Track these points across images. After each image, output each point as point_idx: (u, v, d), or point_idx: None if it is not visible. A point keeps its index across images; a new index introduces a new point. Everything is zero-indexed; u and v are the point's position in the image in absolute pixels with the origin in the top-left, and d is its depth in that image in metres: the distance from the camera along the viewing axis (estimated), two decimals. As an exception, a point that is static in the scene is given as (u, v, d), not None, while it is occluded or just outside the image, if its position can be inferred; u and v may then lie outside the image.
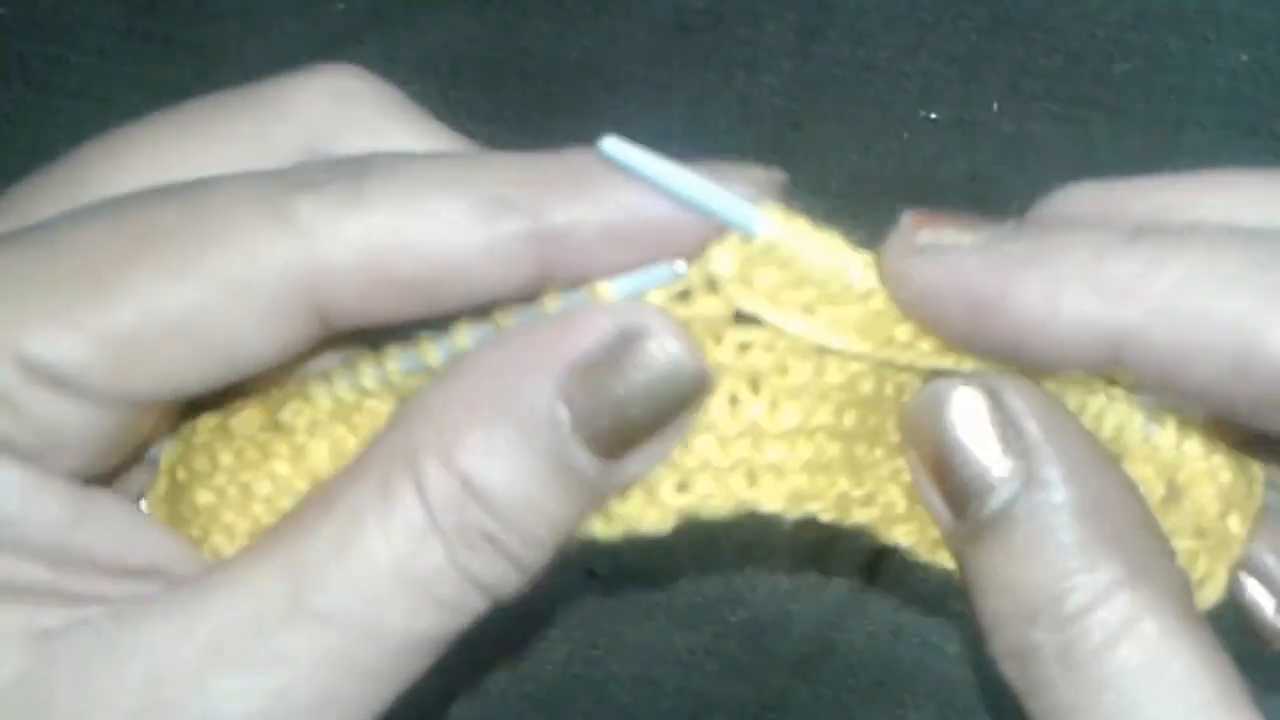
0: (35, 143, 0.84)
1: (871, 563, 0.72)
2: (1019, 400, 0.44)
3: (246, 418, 0.48)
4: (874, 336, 0.46)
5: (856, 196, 0.80)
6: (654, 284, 0.45)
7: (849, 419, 0.48)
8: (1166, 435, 0.49)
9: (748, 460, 0.47)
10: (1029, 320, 0.41)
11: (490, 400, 0.42)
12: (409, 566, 0.42)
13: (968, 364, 0.46)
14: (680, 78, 0.83)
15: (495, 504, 0.42)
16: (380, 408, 0.46)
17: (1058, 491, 0.43)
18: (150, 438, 0.49)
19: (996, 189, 0.79)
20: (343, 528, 0.42)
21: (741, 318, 0.46)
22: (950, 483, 0.45)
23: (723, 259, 0.44)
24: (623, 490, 0.46)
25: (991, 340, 0.42)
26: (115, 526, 0.44)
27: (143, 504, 0.50)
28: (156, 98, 0.83)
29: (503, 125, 0.82)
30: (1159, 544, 0.44)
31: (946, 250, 0.44)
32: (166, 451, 0.50)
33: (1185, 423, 0.50)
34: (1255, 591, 0.52)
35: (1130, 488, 0.45)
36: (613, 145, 0.44)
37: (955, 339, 0.44)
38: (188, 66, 0.84)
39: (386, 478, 0.42)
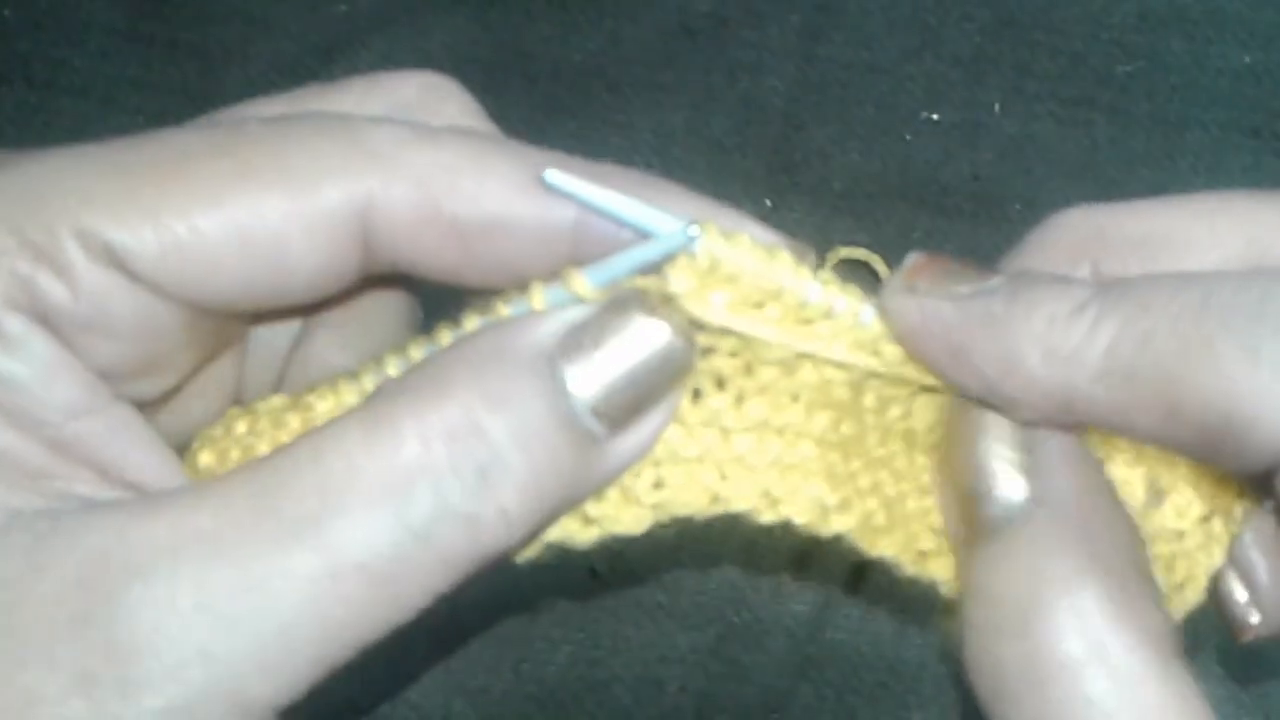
0: (38, 143, 0.83)
1: (854, 573, 0.72)
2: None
3: (274, 401, 0.49)
4: (846, 345, 0.47)
5: (859, 197, 0.80)
6: (626, 272, 0.46)
7: (821, 421, 0.48)
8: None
9: (715, 453, 0.47)
10: (988, 375, 0.45)
11: (492, 353, 0.43)
12: (393, 497, 0.41)
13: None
14: (684, 80, 0.83)
15: (493, 439, 0.42)
16: None
17: (1053, 513, 0.44)
18: (189, 364, 0.49)
19: (999, 190, 0.80)
20: (326, 451, 0.41)
21: (699, 326, 0.47)
22: (965, 488, 0.46)
23: (678, 279, 0.45)
24: (620, 467, 0.46)
25: (963, 383, 0.46)
26: (123, 434, 0.44)
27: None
28: (159, 99, 0.84)
29: (505, 127, 0.82)
30: (1144, 584, 0.45)
31: (931, 296, 0.46)
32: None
33: None
34: (1230, 582, 0.53)
35: (1126, 527, 0.46)
36: (554, 176, 0.46)
37: (936, 373, 0.47)
38: (190, 68, 0.84)
39: (381, 412, 0.42)
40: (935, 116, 0.81)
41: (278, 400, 0.49)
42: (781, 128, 0.82)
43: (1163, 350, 0.42)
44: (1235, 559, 0.53)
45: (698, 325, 0.46)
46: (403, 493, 0.41)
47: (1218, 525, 0.51)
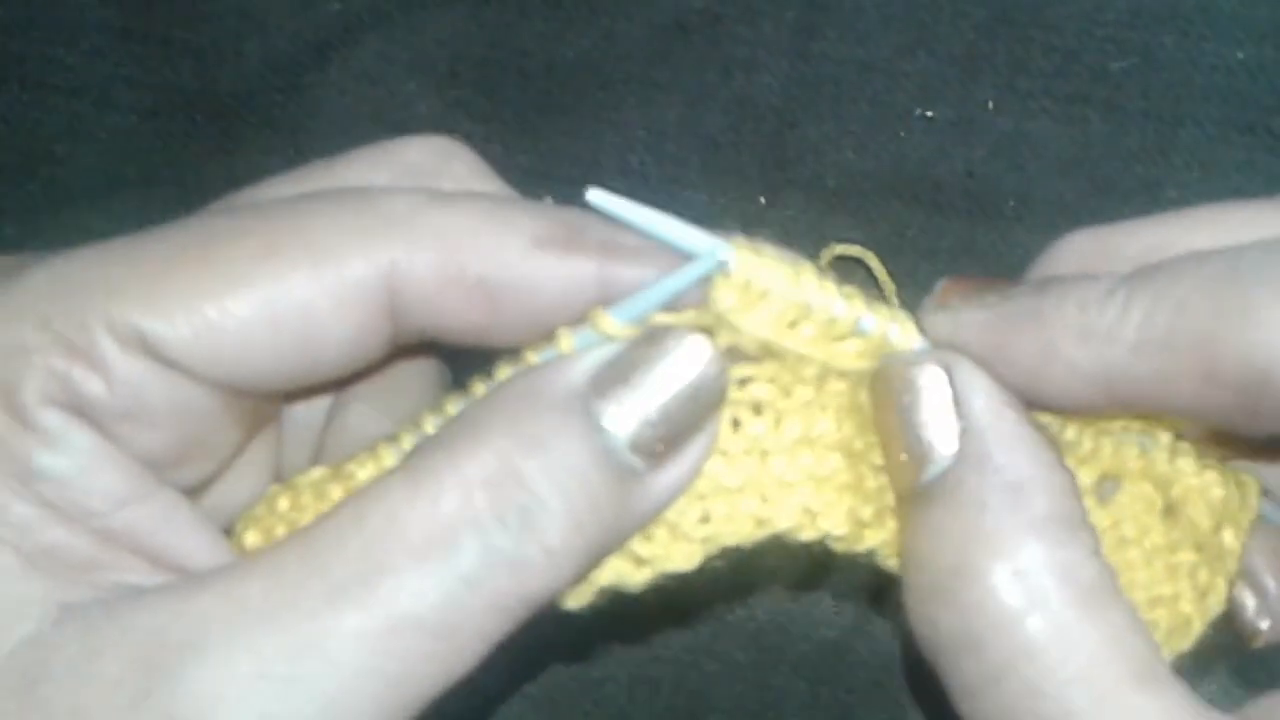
0: (32, 143, 0.84)
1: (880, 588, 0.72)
2: (971, 382, 0.46)
3: (315, 473, 0.49)
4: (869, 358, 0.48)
5: (853, 194, 0.80)
6: (653, 306, 0.46)
7: (848, 427, 0.49)
8: (1160, 455, 0.51)
9: (756, 478, 0.48)
10: (1028, 369, 0.46)
11: (526, 398, 0.44)
12: (437, 548, 0.41)
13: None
14: (678, 77, 0.83)
15: (531, 481, 0.42)
16: None
17: (986, 473, 0.44)
18: (227, 446, 0.50)
19: (994, 187, 0.80)
20: (369, 511, 0.42)
21: (736, 356, 0.48)
22: (899, 452, 0.46)
23: (724, 297, 0.46)
24: (663, 501, 0.46)
25: (1005, 382, 0.46)
26: (171, 520, 0.45)
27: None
28: (153, 97, 0.84)
29: (500, 124, 0.82)
30: (1080, 535, 0.45)
31: (964, 308, 0.48)
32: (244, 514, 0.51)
33: (1177, 442, 0.52)
34: (1239, 591, 0.54)
35: (1063, 481, 0.46)
36: (598, 196, 0.46)
37: None
38: (184, 66, 0.84)
39: (420, 466, 0.43)
40: (929, 113, 0.81)
41: (318, 473, 0.49)
42: (775, 125, 0.82)
43: (1198, 314, 0.43)
44: (1244, 568, 0.53)
45: (735, 354, 0.47)
46: (448, 543, 0.41)
47: (1229, 536, 0.51)
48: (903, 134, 0.81)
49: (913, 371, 0.46)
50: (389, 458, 0.48)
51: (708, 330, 0.46)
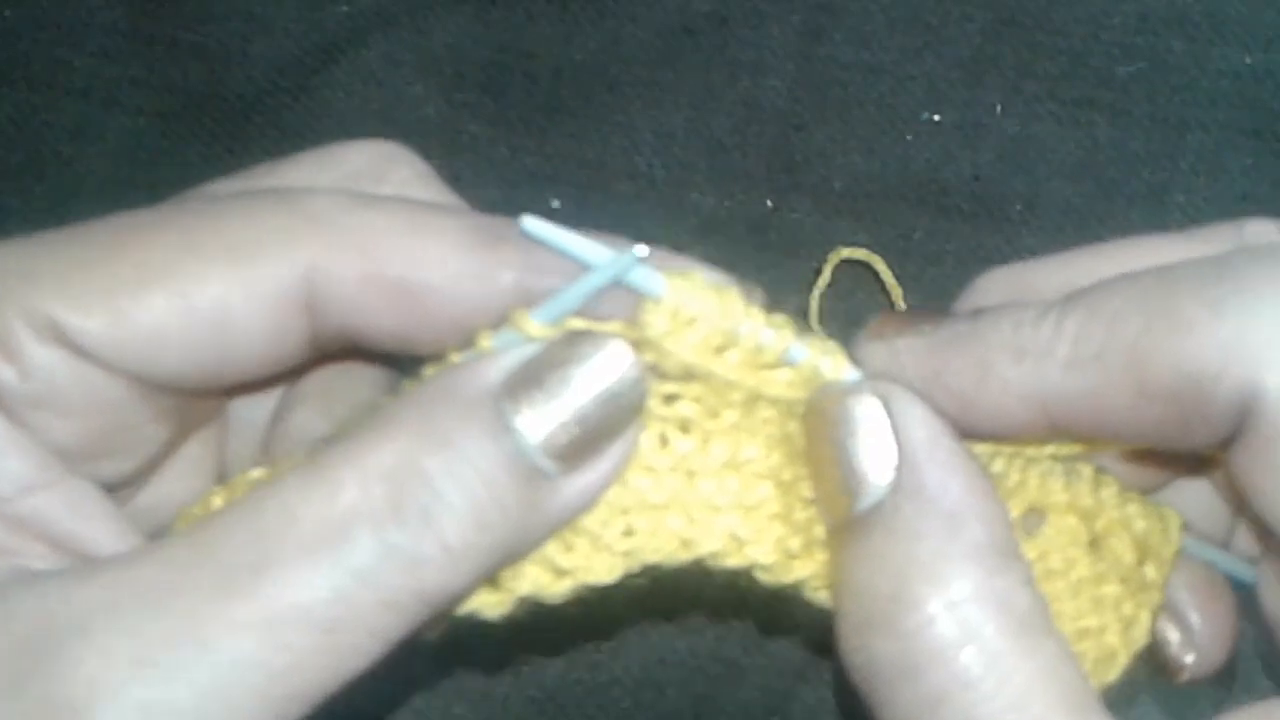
0: (39, 143, 0.84)
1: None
2: (906, 412, 0.46)
3: (252, 476, 0.49)
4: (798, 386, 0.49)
5: (860, 197, 0.80)
6: (573, 305, 0.46)
7: (777, 456, 0.49)
8: (1084, 487, 0.52)
9: (682, 497, 0.48)
10: (964, 392, 0.46)
11: (435, 398, 0.43)
12: (329, 540, 0.41)
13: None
14: (684, 80, 0.83)
15: (432, 479, 0.42)
16: None
17: (922, 502, 0.45)
18: (153, 443, 0.49)
19: (999, 190, 0.80)
20: (264, 506, 0.41)
21: (663, 376, 0.48)
22: (833, 482, 0.46)
23: (653, 321, 0.47)
24: (575, 506, 0.46)
25: (941, 405, 0.47)
26: (80, 509, 0.45)
27: None
28: (160, 99, 0.84)
29: (506, 127, 0.82)
30: (1015, 564, 0.45)
31: (895, 338, 0.48)
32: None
33: (1101, 476, 0.53)
34: (1163, 625, 0.54)
35: (998, 511, 0.46)
36: (531, 223, 0.46)
37: None
38: (191, 67, 0.84)
39: (319, 463, 0.42)
40: (936, 117, 0.81)
41: (256, 473, 0.49)
42: (782, 128, 0.82)
43: (1129, 327, 0.44)
44: (1167, 602, 0.54)
45: (661, 373, 0.47)
46: (341, 536, 0.41)
47: (1151, 570, 0.52)
48: (909, 137, 0.81)
49: (848, 401, 0.46)
50: None
51: (636, 348, 0.46)
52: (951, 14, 0.82)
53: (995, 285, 0.53)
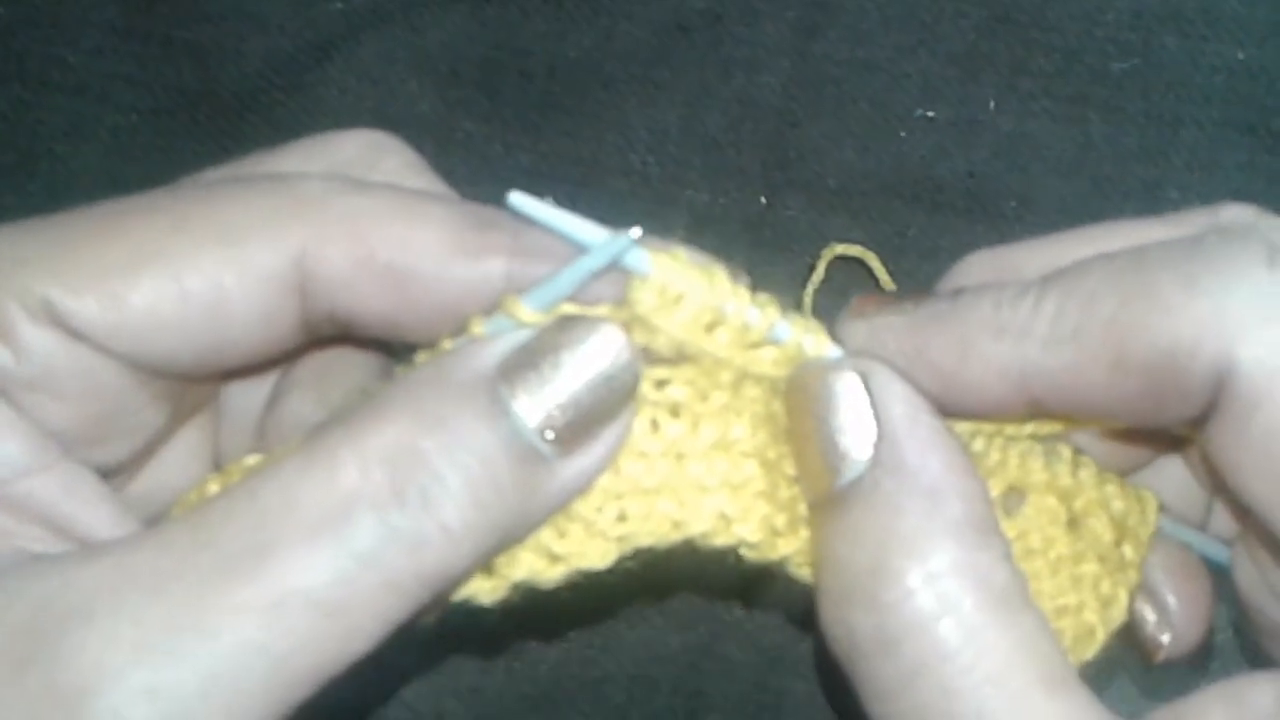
0: (33, 140, 0.84)
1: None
2: (886, 388, 0.47)
3: (248, 463, 0.49)
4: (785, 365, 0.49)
5: (854, 194, 0.80)
6: (566, 290, 0.47)
7: (762, 435, 0.49)
8: (1063, 468, 0.52)
9: (673, 480, 0.48)
10: (945, 370, 0.47)
11: (431, 381, 0.44)
12: (329, 521, 0.41)
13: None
14: (679, 77, 0.83)
15: (431, 460, 0.42)
16: None
17: (902, 477, 0.45)
18: (149, 428, 0.50)
19: (994, 187, 0.80)
20: (262, 487, 0.42)
21: (653, 360, 0.48)
22: (814, 458, 0.47)
23: (642, 299, 0.47)
24: (572, 489, 0.46)
25: (921, 383, 0.47)
26: (76, 492, 0.45)
27: None
28: (154, 96, 0.84)
29: (501, 124, 0.82)
30: (993, 540, 0.45)
31: (876, 316, 0.48)
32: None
33: (1079, 457, 0.53)
34: (1139, 605, 0.55)
35: (977, 487, 0.46)
36: (518, 199, 0.47)
37: None
38: (185, 65, 0.84)
39: (318, 444, 0.42)
40: (930, 114, 0.81)
41: (251, 460, 0.49)
42: (777, 125, 0.82)
43: (1106, 304, 0.44)
44: (1144, 582, 0.54)
45: (652, 357, 0.48)
46: (342, 519, 0.41)
47: (1129, 549, 0.53)
48: (904, 134, 0.81)
49: (829, 377, 0.47)
50: None
51: (624, 327, 0.47)
52: (946, 11, 0.82)
53: (977, 267, 0.54)
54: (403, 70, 0.84)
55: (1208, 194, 0.78)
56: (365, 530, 0.41)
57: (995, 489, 0.51)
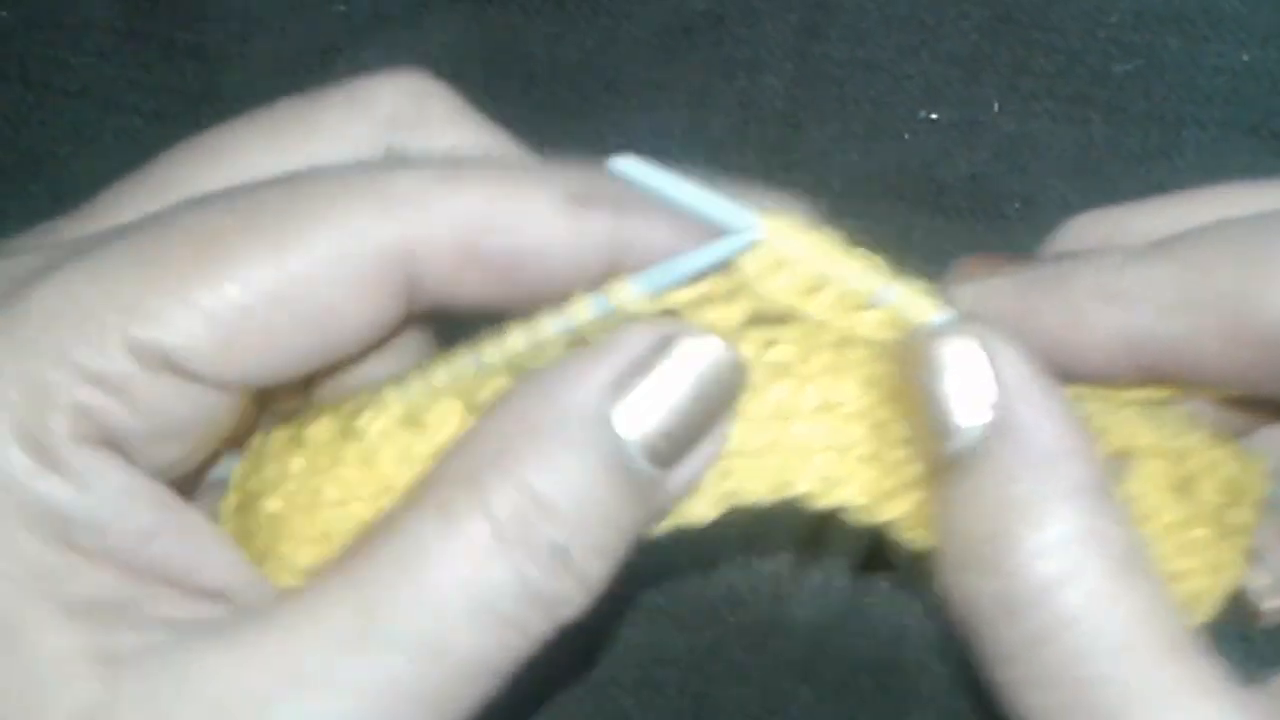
0: (35, 144, 0.84)
1: (871, 557, 0.72)
2: (1001, 353, 0.46)
3: (320, 426, 0.48)
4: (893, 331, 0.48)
5: (857, 196, 0.80)
6: (675, 280, 0.46)
7: (869, 397, 0.49)
8: (1172, 431, 0.51)
9: (778, 441, 0.48)
10: (1054, 336, 0.47)
11: (545, 417, 0.43)
12: (474, 586, 0.41)
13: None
14: (681, 78, 0.83)
15: (561, 515, 0.42)
16: (449, 413, 0.47)
17: (1019, 442, 0.44)
18: (228, 436, 0.49)
19: (997, 188, 0.80)
20: (406, 550, 0.42)
21: (759, 320, 0.48)
22: (928, 424, 0.46)
23: (750, 265, 0.47)
24: (681, 496, 0.47)
25: (1032, 348, 0.46)
26: (193, 542, 0.44)
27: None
28: (157, 99, 0.84)
29: (504, 126, 0.82)
30: (1110, 504, 0.45)
31: (983, 279, 0.49)
32: (237, 467, 0.50)
33: (1190, 420, 0.52)
34: (1248, 570, 0.54)
35: (1091, 449, 0.46)
36: (624, 163, 0.46)
37: None
38: (188, 67, 0.84)
39: (449, 498, 0.42)
40: (933, 115, 0.81)
41: (325, 428, 0.48)
42: (779, 126, 0.82)
43: (1222, 274, 0.44)
44: (1251, 547, 0.53)
45: (758, 317, 0.48)
46: (492, 603, 0.42)
47: (1240, 513, 0.52)
48: (906, 136, 0.81)
49: (942, 342, 0.46)
50: (397, 406, 0.47)
51: (731, 294, 0.46)
52: (948, 12, 0.82)
53: (1084, 229, 0.53)
54: (405, 72, 0.84)
55: (1211, 195, 0.78)
56: (508, 596, 0.42)
57: (1103, 453, 0.50)
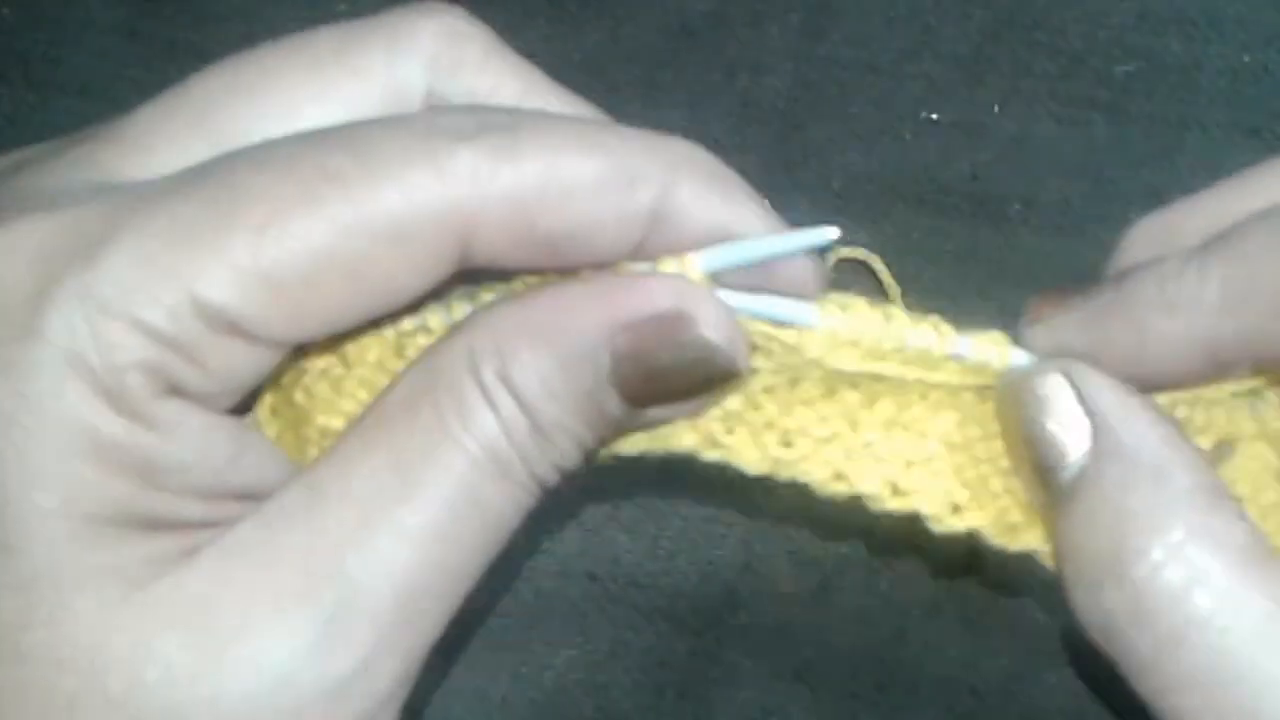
0: (36, 143, 0.84)
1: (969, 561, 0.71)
2: (1091, 382, 0.48)
3: (366, 348, 0.50)
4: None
5: (858, 197, 0.80)
6: (738, 262, 0.48)
7: (947, 421, 0.50)
8: (1271, 414, 0.52)
9: (844, 439, 0.50)
10: (1129, 356, 0.48)
11: (547, 330, 0.46)
12: (493, 452, 0.45)
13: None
14: (683, 79, 0.83)
15: (537, 416, 0.45)
16: None
17: (1124, 460, 0.46)
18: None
19: (998, 189, 0.80)
20: (431, 430, 0.45)
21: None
22: (1035, 461, 0.48)
23: (813, 346, 0.49)
24: (641, 428, 0.49)
25: (1116, 373, 0.48)
26: (258, 462, 0.47)
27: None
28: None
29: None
30: (1223, 503, 0.46)
31: (1055, 318, 0.50)
32: (267, 393, 0.52)
33: None
34: None
35: (1197, 455, 0.47)
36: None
37: None
38: (190, 67, 0.84)
39: (460, 382, 0.45)
40: (934, 116, 0.81)
41: (372, 350, 0.50)
42: (780, 127, 0.82)
43: (1266, 266, 0.46)
44: None
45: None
46: (503, 465, 0.46)
47: None
48: (908, 137, 0.81)
49: (1032, 383, 0.48)
50: (443, 328, 0.49)
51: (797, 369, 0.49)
52: (950, 13, 0.82)
53: (1141, 240, 0.54)
54: (406, 72, 0.83)
55: (1212, 197, 0.78)
56: (511, 461, 0.46)
57: (1205, 448, 0.51)
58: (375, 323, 0.49)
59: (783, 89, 0.82)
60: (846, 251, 0.78)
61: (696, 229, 0.48)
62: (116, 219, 0.43)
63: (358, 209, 0.44)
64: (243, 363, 0.44)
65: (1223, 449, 0.51)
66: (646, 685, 0.72)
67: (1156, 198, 0.78)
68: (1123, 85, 0.80)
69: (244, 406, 0.48)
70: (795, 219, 0.80)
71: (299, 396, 0.50)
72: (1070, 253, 0.77)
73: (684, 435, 0.50)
